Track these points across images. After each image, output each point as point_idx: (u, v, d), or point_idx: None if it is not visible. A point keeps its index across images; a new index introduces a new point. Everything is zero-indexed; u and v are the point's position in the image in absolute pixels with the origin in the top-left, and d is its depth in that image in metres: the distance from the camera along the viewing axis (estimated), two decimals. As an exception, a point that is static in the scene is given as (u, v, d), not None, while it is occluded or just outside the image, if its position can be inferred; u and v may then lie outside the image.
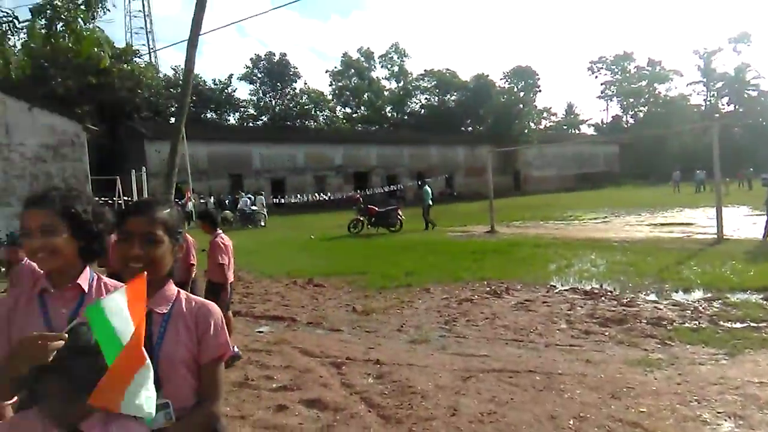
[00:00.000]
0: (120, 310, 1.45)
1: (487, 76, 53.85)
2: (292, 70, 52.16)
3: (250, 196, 26.17)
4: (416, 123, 54.30)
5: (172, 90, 40.31)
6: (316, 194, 33.64)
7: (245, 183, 34.09)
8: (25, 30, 6.94)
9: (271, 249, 15.76)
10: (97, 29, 6.57)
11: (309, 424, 4.05)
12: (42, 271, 1.76)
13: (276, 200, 29.27)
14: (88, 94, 32.59)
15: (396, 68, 59.21)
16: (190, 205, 21.40)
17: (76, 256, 1.75)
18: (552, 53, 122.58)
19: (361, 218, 19.19)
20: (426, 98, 58.84)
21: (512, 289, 8.41)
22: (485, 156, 28.29)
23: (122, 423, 1.53)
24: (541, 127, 61.19)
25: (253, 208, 24.95)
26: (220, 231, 5.94)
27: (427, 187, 20.95)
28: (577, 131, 71.05)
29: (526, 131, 48.70)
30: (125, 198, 20.86)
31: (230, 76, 49.94)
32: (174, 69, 44.71)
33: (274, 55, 51.39)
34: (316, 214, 28.96)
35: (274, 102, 51.74)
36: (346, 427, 3.98)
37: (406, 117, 57.55)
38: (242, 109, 51.58)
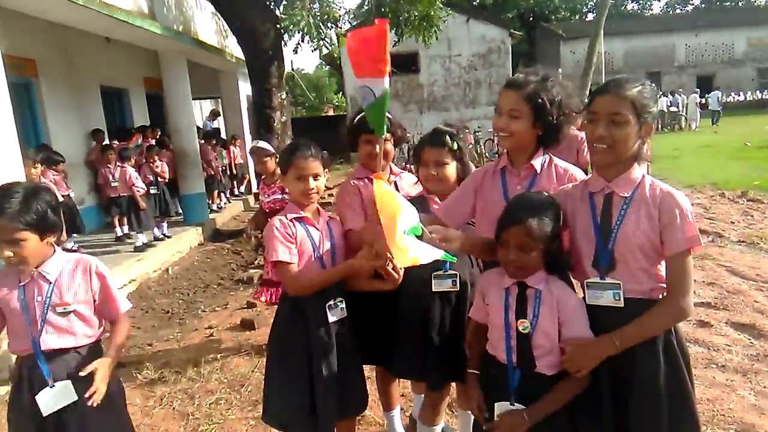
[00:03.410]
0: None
1: None
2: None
3: (669, 95, 23.35)
4: None
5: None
6: (758, 92, 27.39)
7: (663, 81, 30.45)
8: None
9: (692, 155, 14.02)
10: None
11: (738, 348, 3.69)
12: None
13: (702, 99, 25.24)
14: (512, 1, 34.45)
15: None
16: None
17: (533, 141, 1.96)
18: None
19: (827, 121, 14.76)
20: None
21: None
22: None
23: (559, 285, 1.80)
24: None
25: (672, 109, 22.31)
26: None
27: None
28: None
29: None
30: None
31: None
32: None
33: None
34: (756, 116, 23.74)
35: (710, -21, 43.15)
36: (789, 362, 3.45)
37: None
38: (669, -6, 45.14)
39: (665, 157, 13.79)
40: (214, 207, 10.36)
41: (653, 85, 1.74)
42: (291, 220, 2.23)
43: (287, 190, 3.81)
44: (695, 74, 31.31)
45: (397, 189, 2.54)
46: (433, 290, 2.26)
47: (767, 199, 8.23)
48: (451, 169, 2.29)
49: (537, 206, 1.75)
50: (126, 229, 7.55)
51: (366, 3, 9.15)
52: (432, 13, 8.47)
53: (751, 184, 9.35)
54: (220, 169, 10.74)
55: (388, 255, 2.08)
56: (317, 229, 2.27)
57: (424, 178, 2.33)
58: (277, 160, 3.70)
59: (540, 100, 1.86)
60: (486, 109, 18.90)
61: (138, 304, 5.75)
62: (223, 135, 12.73)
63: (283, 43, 7.64)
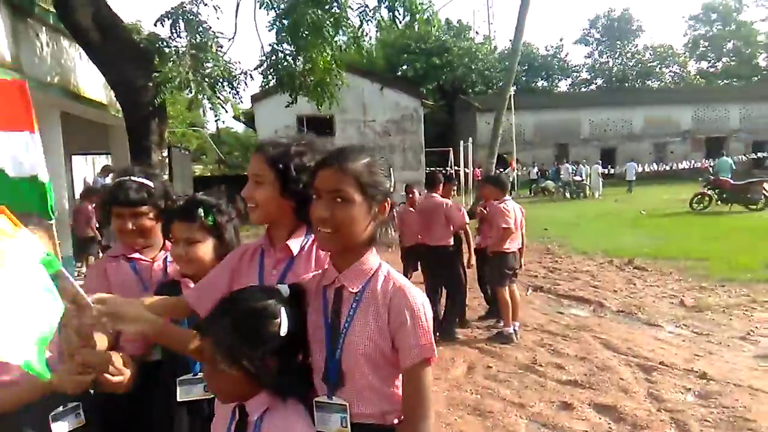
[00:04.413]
0: None
1: None
2: (635, 24, 46.84)
3: (572, 165, 24.80)
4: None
5: (506, 62, 41.26)
6: (654, 164, 29.68)
7: (571, 152, 32.51)
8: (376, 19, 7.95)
9: (590, 223, 14.57)
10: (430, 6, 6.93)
11: (595, 435, 3.40)
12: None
13: (605, 170, 26.92)
14: (432, 75, 36.22)
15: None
16: (513, 174, 21.89)
17: (287, 214, 1.60)
18: None
19: (709, 192, 15.95)
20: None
21: None
22: None
23: (284, 414, 1.32)
24: None
25: (576, 178, 23.60)
26: (508, 198, 5.53)
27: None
28: None
29: None
30: (455, 168, 22.42)
31: (561, 40, 48.10)
32: (512, 41, 45.58)
33: (614, 11, 47.08)
34: (652, 186, 25.56)
35: (611, 63, 47.57)
36: (643, 452, 3.17)
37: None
38: (574, 74, 49.14)
39: (567, 224, 14.25)
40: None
41: (384, 158, 1.42)
42: None
43: None
44: (599, 147, 33.68)
45: (165, 268, 2.10)
46: (179, 400, 1.79)
47: (651, 267, 8.44)
48: (205, 249, 1.85)
49: (237, 307, 1.30)
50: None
51: (262, 66, 8.98)
52: (327, 80, 8.41)
53: (641, 252, 9.64)
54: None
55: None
56: None
57: (174, 258, 1.90)
58: None
59: (283, 165, 1.54)
60: (400, 174, 19.06)
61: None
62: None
63: (158, 99, 7.16)
